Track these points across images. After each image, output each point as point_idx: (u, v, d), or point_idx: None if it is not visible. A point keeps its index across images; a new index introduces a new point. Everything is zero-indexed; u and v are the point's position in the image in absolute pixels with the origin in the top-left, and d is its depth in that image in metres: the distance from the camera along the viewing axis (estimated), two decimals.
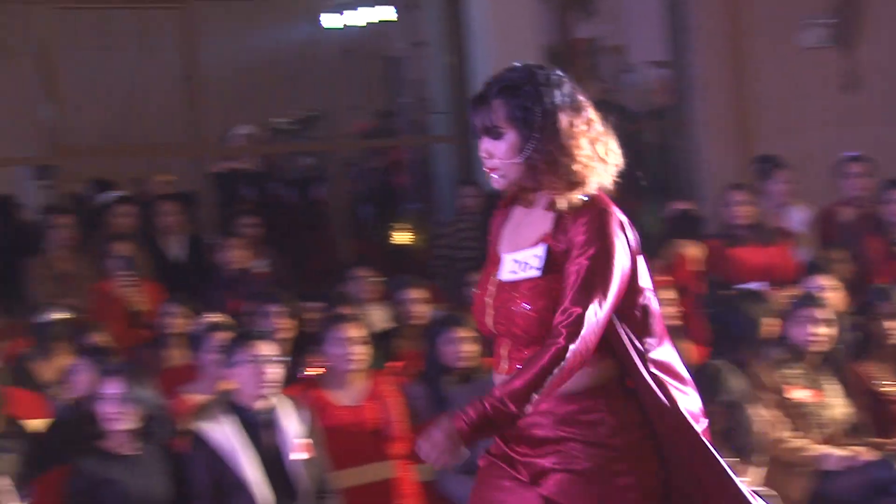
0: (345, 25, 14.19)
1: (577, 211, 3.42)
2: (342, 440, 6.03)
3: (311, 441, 5.73)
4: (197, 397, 6.31)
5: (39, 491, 5.57)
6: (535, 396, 3.30)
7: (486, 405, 3.30)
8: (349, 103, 13.87)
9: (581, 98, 3.50)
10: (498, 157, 3.46)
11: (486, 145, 3.47)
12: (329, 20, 13.19)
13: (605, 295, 3.35)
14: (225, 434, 5.62)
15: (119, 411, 5.57)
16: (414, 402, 6.59)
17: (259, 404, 5.70)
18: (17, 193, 13.14)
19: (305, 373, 6.77)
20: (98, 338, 6.98)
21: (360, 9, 14.15)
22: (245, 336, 5.93)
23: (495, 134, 3.44)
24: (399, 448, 6.30)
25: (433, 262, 10.22)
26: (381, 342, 7.35)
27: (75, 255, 8.95)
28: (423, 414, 6.54)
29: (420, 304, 7.60)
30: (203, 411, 5.79)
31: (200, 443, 5.62)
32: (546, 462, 3.45)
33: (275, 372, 5.75)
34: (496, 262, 3.55)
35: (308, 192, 13.49)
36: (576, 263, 3.37)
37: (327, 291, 8.03)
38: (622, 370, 3.47)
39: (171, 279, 8.49)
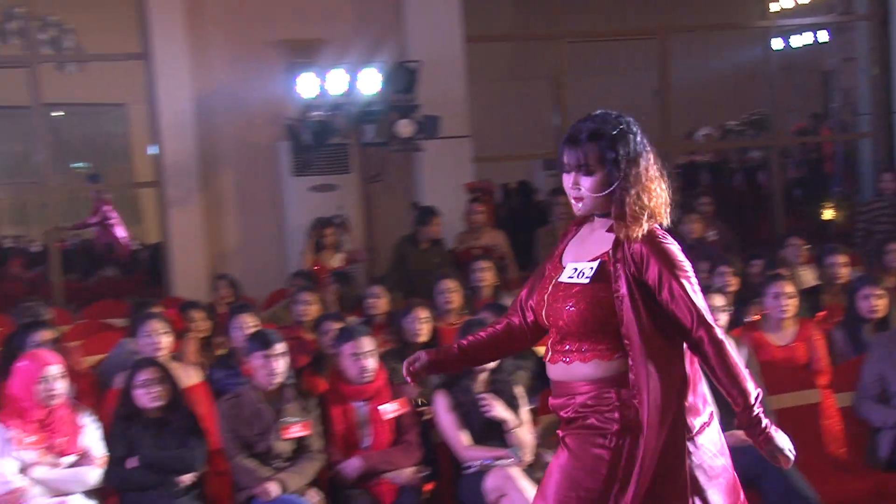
0: (788, 46, 13.86)
1: (637, 240, 3.21)
2: (776, 372, 5.89)
3: (750, 372, 5.63)
4: None
5: (543, 398, 5.76)
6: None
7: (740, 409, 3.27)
8: (789, 108, 13.53)
9: (648, 144, 3.30)
10: (586, 189, 3.26)
11: (577, 179, 3.26)
12: (776, 43, 12.95)
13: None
14: None
15: None
16: (836, 344, 6.40)
17: None
18: (532, 180, 13.71)
19: (748, 319, 6.66)
20: None
21: (802, 34, 13.82)
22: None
23: (587, 171, 3.24)
24: (823, 379, 6.11)
25: (854, 233, 9.85)
26: (811, 296, 7.20)
27: None
28: (843, 355, 6.34)
29: (843, 267, 7.36)
30: None
31: None
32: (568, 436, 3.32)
33: (721, 319, 5.66)
34: (559, 268, 3.38)
35: (753, 179, 13.37)
36: (678, 291, 3.18)
37: (767, 256, 7.94)
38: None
39: None
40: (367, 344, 5.51)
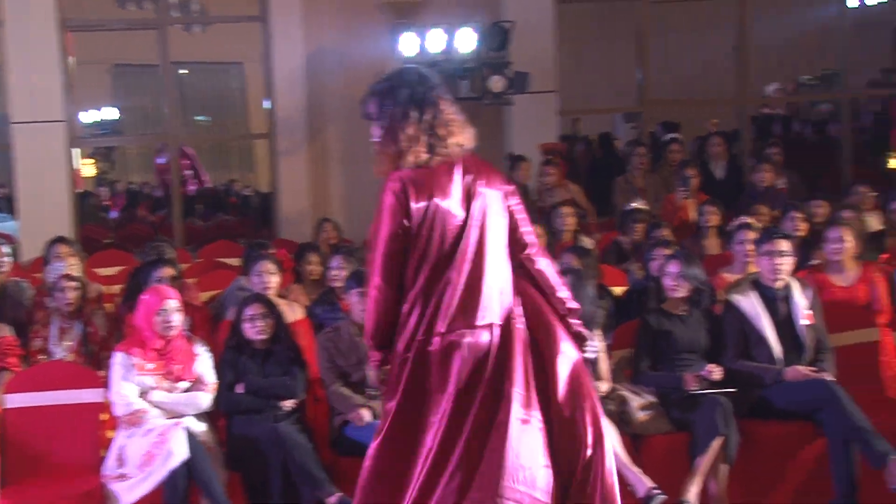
0: (863, 3, 13.33)
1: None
2: (837, 311, 5.70)
3: (813, 311, 5.46)
4: (730, 277, 6.17)
5: (617, 336, 5.69)
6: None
7: None
8: (860, 62, 13.00)
9: (433, 95, 3.31)
10: (374, 138, 3.35)
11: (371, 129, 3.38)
12: (852, 1, 12.46)
13: (378, 250, 3.24)
14: (751, 303, 5.46)
15: (676, 284, 5.56)
16: None
17: (776, 284, 5.50)
18: (613, 131, 13.50)
19: (812, 262, 6.44)
20: (664, 232, 6.99)
21: None
22: (768, 234, 5.71)
23: (372, 121, 3.35)
24: (882, 319, 5.89)
25: None
26: (875, 240, 6.91)
27: (647, 175, 9.06)
28: None
29: None
30: (734, 287, 5.65)
31: (732, 308, 5.50)
32: None
33: (788, 262, 5.50)
34: None
35: (823, 130, 12.96)
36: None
37: (833, 203, 7.66)
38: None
39: (715, 193, 8.33)
40: None
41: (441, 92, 3.36)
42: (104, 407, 5.16)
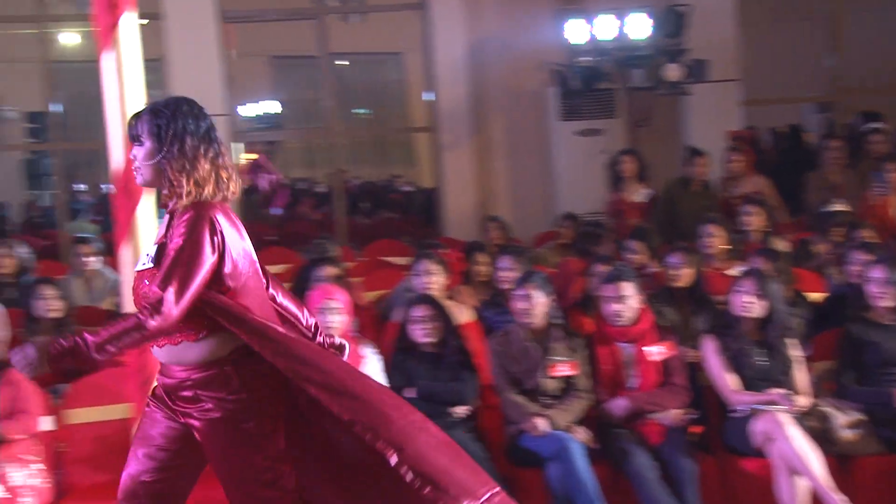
0: None
1: (182, 212, 3.20)
2: None
3: None
4: None
5: (816, 345, 5.51)
6: (112, 348, 3.12)
7: (75, 340, 3.13)
8: None
9: (215, 133, 3.31)
10: (138, 160, 3.29)
11: (133, 151, 3.31)
12: None
13: (184, 281, 3.10)
14: None
15: (883, 291, 5.36)
16: None
17: None
18: (802, 123, 13.07)
19: None
20: (865, 234, 6.73)
21: None
22: None
23: (139, 141, 3.28)
24: None
25: None
26: None
27: (844, 170, 8.72)
28: None
29: None
30: None
31: None
32: (193, 415, 3.26)
33: None
34: None
35: None
36: (167, 252, 3.16)
37: None
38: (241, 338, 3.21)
39: None
40: (626, 288, 5.38)
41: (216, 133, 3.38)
42: None
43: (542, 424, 5.12)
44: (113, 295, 6.86)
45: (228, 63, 10.16)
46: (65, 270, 7.84)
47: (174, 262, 3.12)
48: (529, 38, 9.98)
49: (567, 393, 5.33)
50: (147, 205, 3.30)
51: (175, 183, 3.23)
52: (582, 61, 9.28)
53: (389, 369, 5.39)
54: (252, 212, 11.95)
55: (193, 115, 3.30)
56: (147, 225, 3.34)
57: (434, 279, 6.15)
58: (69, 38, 14.30)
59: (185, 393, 3.28)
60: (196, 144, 3.26)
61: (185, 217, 3.18)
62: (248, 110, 15.64)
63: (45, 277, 6.59)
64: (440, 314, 5.49)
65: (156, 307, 3.09)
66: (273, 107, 16.21)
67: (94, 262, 7.37)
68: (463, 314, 6.18)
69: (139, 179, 3.35)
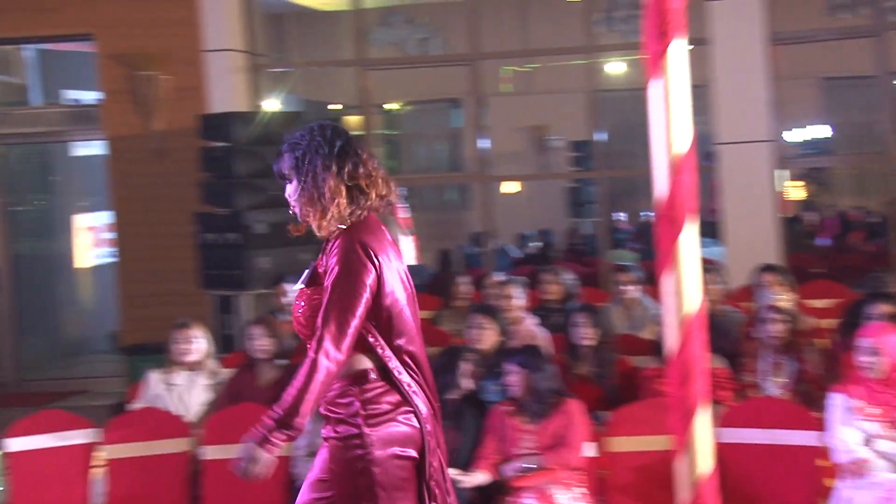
0: None
1: (334, 237, 3.35)
2: None
3: None
4: None
5: None
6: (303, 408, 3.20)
7: (268, 417, 3.22)
8: None
9: (351, 147, 3.36)
10: (291, 198, 3.40)
11: (287, 190, 3.44)
12: None
13: (348, 309, 3.22)
14: None
15: None
16: None
17: None
18: None
19: None
20: None
21: None
22: None
23: (287, 179, 3.41)
24: None
25: None
26: None
27: None
28: None
29: None
30: None
31: None
32: (323, 432, 3.40)
33: None
34: None
35: None
36: (328, 284, 3.27)
37: None
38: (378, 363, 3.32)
39: None
40: None
41: (358, 143, 3.42)
42: (821, 451, 5.12)
43: None
44: (653, 324, 7.01)
45: (775, 86, 9.99)
46: (605, 298, 8.15)
47: (335, 292, 3.24)
48: None
49: None
50: (691, 234, 3.31)
51: (313, 213, 3.34)
52: None
53: None
54: (797, 242, 11.69)
55: (325, 138, 3.37)
56: (691, 254, 3.33)
57: None
58: (614, 67, 14.88)
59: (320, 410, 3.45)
60: (328, 165, 3.33)
61: (336, 244, 3.31)
62: (795, 135, 15.30)
63: (586, 305, 6.89)
64: None
65: (319, 344, 3.20)
66: (822, 131, 15.70)
67: (633, 290, 7.58)
68: None
69: (298, 216, 3.43)
